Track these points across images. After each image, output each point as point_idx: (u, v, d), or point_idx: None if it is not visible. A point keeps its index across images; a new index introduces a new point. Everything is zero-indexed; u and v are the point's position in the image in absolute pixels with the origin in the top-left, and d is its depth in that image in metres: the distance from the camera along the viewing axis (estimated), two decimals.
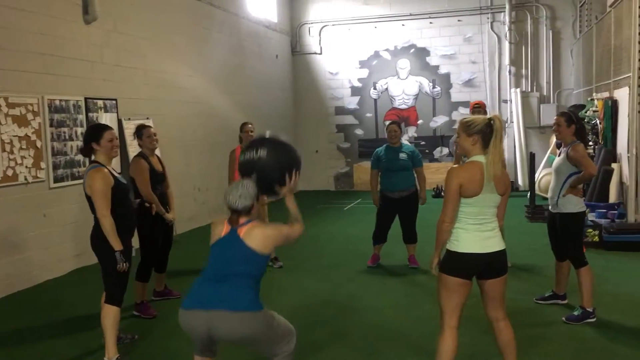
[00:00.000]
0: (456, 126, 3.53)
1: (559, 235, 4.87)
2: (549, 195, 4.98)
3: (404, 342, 4.50)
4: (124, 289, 4.23)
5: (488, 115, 3.38)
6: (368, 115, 14.38)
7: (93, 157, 4.25)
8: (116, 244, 4.06)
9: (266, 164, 3.35)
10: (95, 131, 4.26)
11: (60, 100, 6.93)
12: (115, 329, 4.17)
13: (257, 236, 3.21)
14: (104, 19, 7.63)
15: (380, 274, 6.56)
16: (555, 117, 4.95)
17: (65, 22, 7.05)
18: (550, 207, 4.97)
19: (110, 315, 4.13)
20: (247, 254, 3.17)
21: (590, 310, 4.71)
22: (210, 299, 3.07)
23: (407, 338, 4.57)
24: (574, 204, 4.77)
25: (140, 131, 5.44)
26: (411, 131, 14.12)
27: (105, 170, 4.13)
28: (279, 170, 3.37)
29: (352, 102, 14.45)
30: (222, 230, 3.27)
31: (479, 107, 6.36)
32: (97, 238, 4.16)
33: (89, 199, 4.13)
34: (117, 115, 7.90)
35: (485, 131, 3.29)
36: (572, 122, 4.80)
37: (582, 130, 4.93)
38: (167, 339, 4.71)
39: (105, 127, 4.32)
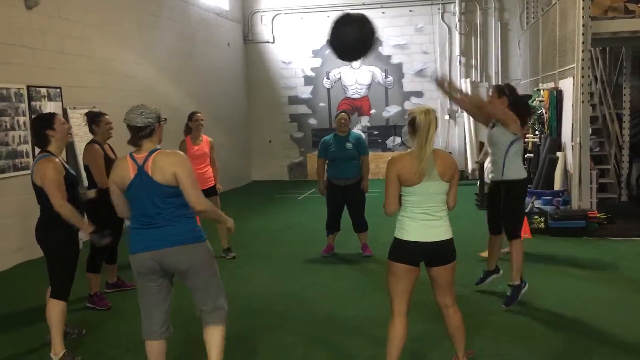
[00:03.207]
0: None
1: (503, 204, 4.90)
2: (489, 167, 5.02)
3: (356, 329, 4.53)
4: (70, 282, 4.11)
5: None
6: (321, 104, 14.37)
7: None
8: (86, 227, 4.05)
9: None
10: (46, 119, 4.17)
11: (1, 88, 6.64)
12: (62, 323, 4.05)
13: (164, 166, 3.16)
14: (46, 4, 7.34)
15: (333, 263, 6.59)
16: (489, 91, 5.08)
17: (5, 7, 6.76)
18: (492, 177, 5.02)
19: (56, 309, 4.01)
20: (164, 191, 3.17)
21: (517, 283, 4.82)
22: (153, 242, 3.19)
23: (359, 326, 4.61)
24: (518, 171, 4.85)
25: (98, 118, 5.36)
26: (364, 121, 14.19)
27: (57, 159, 4.03)
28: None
29: (305, 92, 14.40)
30: (127, 169, 3.21)
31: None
32: (44, 229, 4.05)
33: (38, 189, 4.01)
34: (62, 104, 7.64)
35: (412, 124, 3.34)
36: (504, 94, 4.86)
37: (519, 107, 4.91)
38: (118, 333, 4.61)
39: (54, 113, 4.30)
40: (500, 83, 5.23)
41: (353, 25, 4.01)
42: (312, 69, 14.28)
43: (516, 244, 4.84)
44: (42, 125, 4.10)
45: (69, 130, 4.23)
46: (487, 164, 5.11)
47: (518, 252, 4.83)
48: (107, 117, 5.40)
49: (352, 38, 4.01)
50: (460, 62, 13.57)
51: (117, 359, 4.18)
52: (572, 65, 8.11)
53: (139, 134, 3.22)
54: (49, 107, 7.36)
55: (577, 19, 7.86)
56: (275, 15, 14.25)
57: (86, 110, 7.97)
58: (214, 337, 3.35)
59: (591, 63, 9.24)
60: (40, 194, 4.00)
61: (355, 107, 14.14)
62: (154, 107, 3.31)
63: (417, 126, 3.29)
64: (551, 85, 9.51)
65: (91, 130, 5.35)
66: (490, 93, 4.99)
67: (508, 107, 4.82)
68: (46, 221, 4.02)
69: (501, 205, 4.92)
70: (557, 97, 8.95)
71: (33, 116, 5.52)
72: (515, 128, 4.77)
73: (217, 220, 3.55)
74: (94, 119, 5.35)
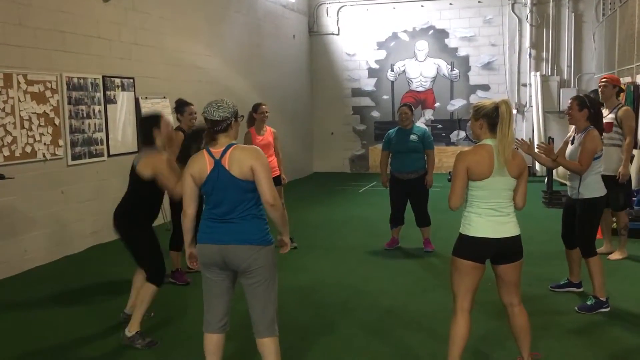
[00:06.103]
0: None
1: (577, 222, 4.77)
2: (568, 183, 4.87)
3: (416, 324, 4.51)
4: (163, 266, 4.31)
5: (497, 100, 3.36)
6: (385, 97, 14.27)
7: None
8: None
9: None
10: (154, 118, 4.45)
11: (79, 78, 6.96)
12: (148, 305, 4.22)
13: (242, 159, 3.15)
14: None
15: (394, 257, 6.56)
16: (569, 101, 4.80)
17: (84, 0, 7.05)
18: (569, 194, 4.86)
19: (151, 292, 4.19)
20: (241, 186, 3.16)
21: (603, 299, 4.65)
22: (222, 235, 3.19)
23: (420, 321, 4.58)
24: (596, 189, 4.66)
25: (183, 108, 5.75)
26: (428, 114, 14.00)
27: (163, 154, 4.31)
28: None
29: (369, 84, 14.34)
30: (204, 163, 3.20)
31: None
32: (124, 215, 4.29)
33: (137, 178, 4.29)
34: (134, 93, 7.92)
35: (491, 115, 3.27)
36: (585, 107, 4.62)
37: (598, 116, 4.74)
38: (196, 312, 4.75)
39: (160, 114, 4.56)
40: (581, 94, 4.92)
41: None
42: (377, 61, 14.19)
43: (593, 262, 4.66)
44: (149, 124, 4.36)
45: (172, 129, 4.49)
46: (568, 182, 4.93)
47: (597, 270, 4.64)
48: (192, 107, 5.77)
49: None
50: (530, 54, 13.15)
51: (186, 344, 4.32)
52: None
53: (215, 128, 3.21)
54: (123, 96, 7.65)
55: None
56: (341, 7, 14.23)
57: (156, 100, 8.27)
58: (270, 348, 3.26)
59: None
60: (137, 182, 4.20)
61: (420, 100, 13.96)
62: (232, 103, 3.30)
63: (501, 116, 3.23)
64: (628, 79, 9.07)
65: (177, 118, 5.78)
66: (569, 104, 4.73)
67: (588, 119, 4.62)
68: (129, 208, 4.27)
69: (576, 222, 4.76)
70: (634, 92, 8.53)
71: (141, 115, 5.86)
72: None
73: (280, 225, 3.37)
74: (179, 108, 5.75)
